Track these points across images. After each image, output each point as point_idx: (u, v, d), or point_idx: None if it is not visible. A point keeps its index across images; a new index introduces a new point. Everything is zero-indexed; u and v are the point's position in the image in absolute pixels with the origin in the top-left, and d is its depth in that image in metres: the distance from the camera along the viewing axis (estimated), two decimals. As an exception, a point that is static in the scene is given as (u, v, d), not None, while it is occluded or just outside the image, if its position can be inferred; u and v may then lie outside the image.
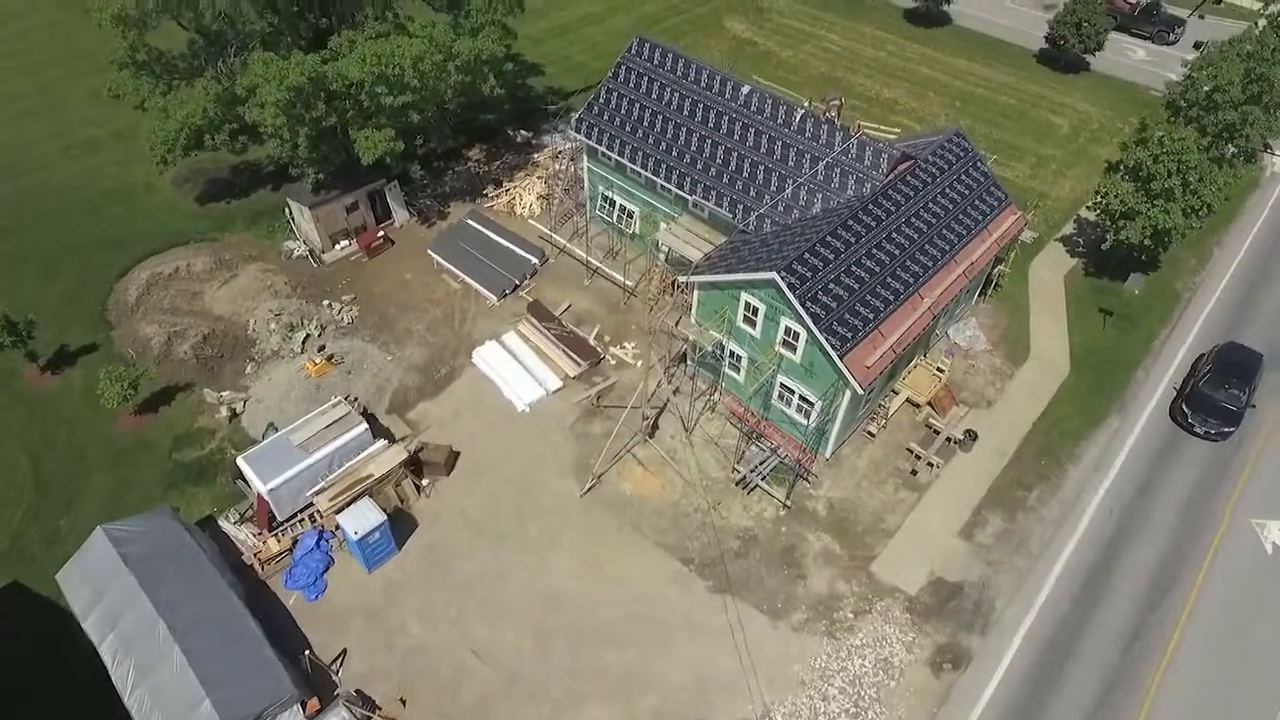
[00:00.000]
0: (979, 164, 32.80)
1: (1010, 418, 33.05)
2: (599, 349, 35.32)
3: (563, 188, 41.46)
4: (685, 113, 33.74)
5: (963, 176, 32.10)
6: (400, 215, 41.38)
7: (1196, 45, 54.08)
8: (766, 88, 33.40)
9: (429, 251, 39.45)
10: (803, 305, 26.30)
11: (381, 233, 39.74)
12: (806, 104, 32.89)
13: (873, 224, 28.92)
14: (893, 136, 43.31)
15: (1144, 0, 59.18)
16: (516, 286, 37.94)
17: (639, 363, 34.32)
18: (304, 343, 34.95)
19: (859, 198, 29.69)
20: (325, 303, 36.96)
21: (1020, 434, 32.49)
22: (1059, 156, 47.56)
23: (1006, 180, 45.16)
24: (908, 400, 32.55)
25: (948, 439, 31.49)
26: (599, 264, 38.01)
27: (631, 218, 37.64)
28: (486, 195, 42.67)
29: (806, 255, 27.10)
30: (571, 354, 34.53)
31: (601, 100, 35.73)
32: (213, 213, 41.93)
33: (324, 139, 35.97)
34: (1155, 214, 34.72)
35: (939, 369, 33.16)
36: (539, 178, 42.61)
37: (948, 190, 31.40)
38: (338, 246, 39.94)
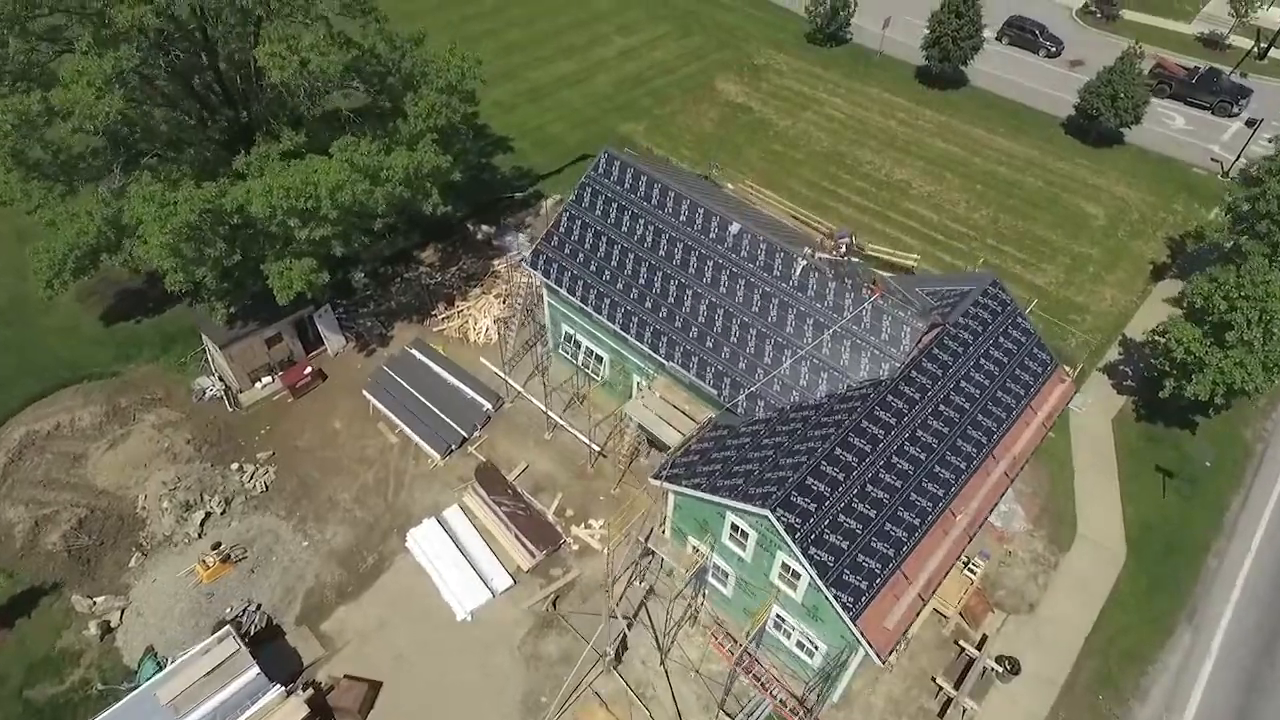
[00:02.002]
0: (1019, 320, 26.82)
1: (1058, 629, 27.09)
2: (559, 530, 29.38)
3: (524, 307, 35.49)
4: (661, 252, 27.77)
5: (1000, 339, 26.13)
6: (335, 342, 35.43)
7: (1250, 123, 48.28)
8: (764, 219, 27.58)
9: (364, 393, 33.49)
10: (805, 552, 20.35)
11: (309, 370, 33.75)
12: (806, 253, 26.81)
13: (892, 422, 22.96)
14: (911, 264, 37.50)
15: (1203, 66, 52.82)
16: (464, 440, 31.98)
17: (606, 548, 28.36)
18: (202, 525, 29.01)
19: (874, 383, 23.72)
20: (235, 465, 30.99)
21: (1071, 655, 26.53)
22: (1096, 256, 41.55)
23: (1038, 289, 39.35)
24: (934, 610, 26.58)
25: (984, 668, 25.51)
26: (559, 418, 31.98)
27: (600, 362, 31.66)
28: (436, 315, 36.69)
29: (809, 480, 21.15)
30: (525, 540, 28.58)
31: (562, 229, 29.76)
32: (118, 336, 35.95)
33: (232, 271, 30.06)
34: (1229, 368, 28.75)
35: (970, 567, 27.19)
36: (496, 295, 36.61)
37: (983, 361, 25.43)
38: (258, 384, 34.01)
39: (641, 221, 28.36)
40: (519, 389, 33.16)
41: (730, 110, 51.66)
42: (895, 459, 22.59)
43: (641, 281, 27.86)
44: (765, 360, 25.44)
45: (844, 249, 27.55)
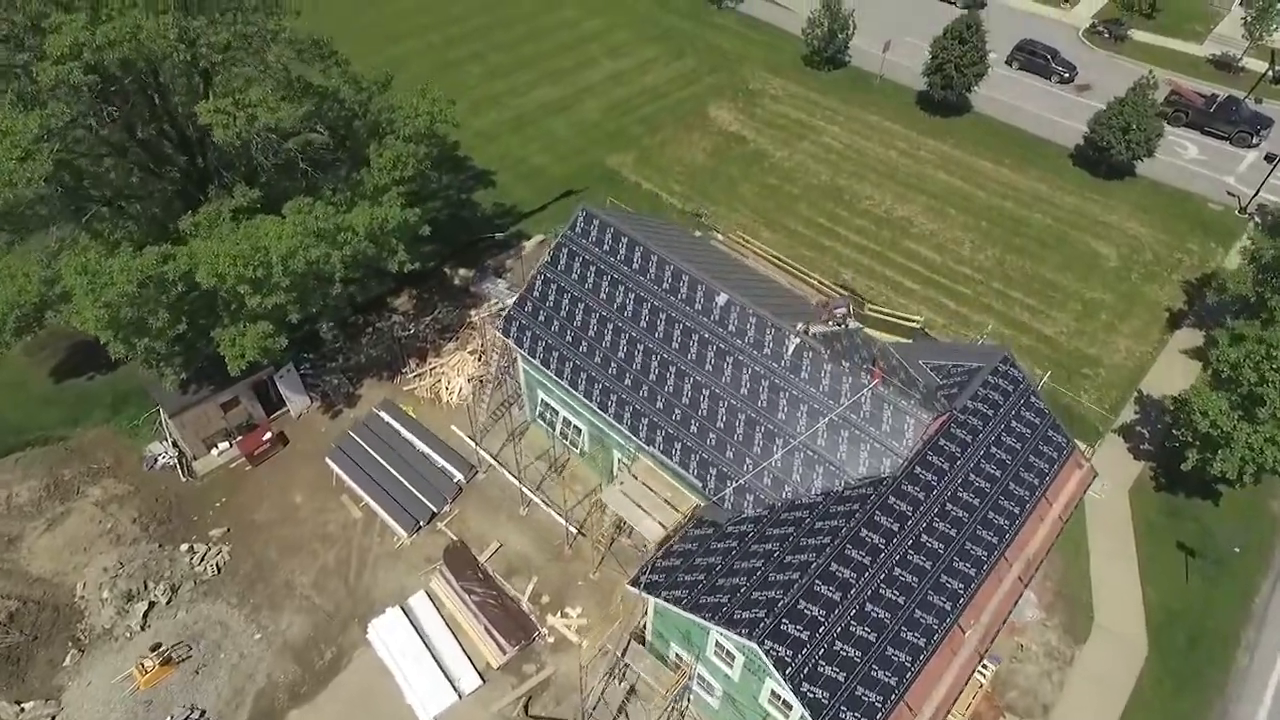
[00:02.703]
0: (1031, 400, 24.56)
1: (1075, 737, 24.86)
2: (533, 620, 27.13)
3: (500, 364, 33.25)
4: (643, 323, 25.51)
5: (1012, 423, 23.88)
6: (298, 403, 33.18)
7: (1269, 158, 46.05)
8: (754, 280, 25.37)
9: (328, 460, 31.22)
10: (797, 689, 18.10)
11: (269, 436, 31.47)
12: (799, 329, 24.52)
13: (894, 528, 20.73)
14: (916, 324, 35.23)
15: (1221, 95, 50.48)
16: (433, 516, 29.73)
17: (585, 641, 26.16)
18: (145, 616, 26.77)
19: (874, 482, 21.48)
20: (185, 546, 28.75)
21: (1090, 769, 24.30)
22: (1109, 302, 39.27)
23: (1048, 340, 37.15)
24: (939, 717, 24.30)
25: (994, 787, 23.27)
26: (535, 494, 29.71)
27: (579, 434, 29.40)
28: (407, 373, 34.42)
29: (801, 603, 18.94)
30: (496, 634, 26.31)
31: (536, 293, 27.51)
32: (68, 394, 33.72)
33: (181, 337, 27.81)
34: (1260, 444, 26.51)
35: (980, 669, 24.87)
36: (471, 352, 34.32)
37: (993, 450, 23.19)
38: (214, 451, 31.76)
39: (622, 288, 26.09)
40: (491, 461, 30.85)
41: (724, 140, 49.38)
42: (897, 571, 20.34)
43: (621, 355, 25.59)
44: (755, 449, 23.18)
45: (840, 320, 25.33)
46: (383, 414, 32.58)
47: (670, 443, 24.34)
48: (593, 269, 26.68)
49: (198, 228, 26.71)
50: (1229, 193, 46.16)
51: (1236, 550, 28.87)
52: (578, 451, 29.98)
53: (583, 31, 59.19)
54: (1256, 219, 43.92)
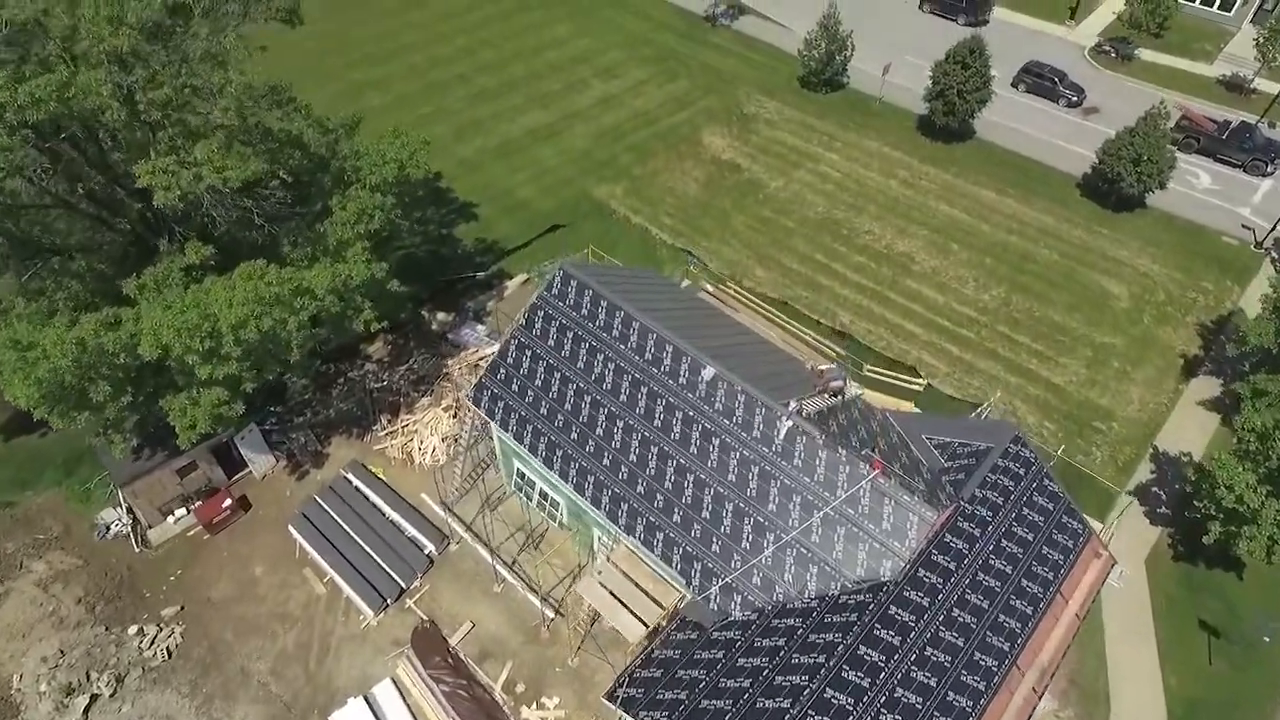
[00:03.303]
0: (1045, 483, 22.61)
1: None
2: (506, 711, 25.18)
3: (475, 425, 31.27)
4: (623, 397, 23.54)
5: (1024, 511, 21.93)
6: (261, 464, 31.24)
7: (1289, 191, 44.02)
8: (745, 342, 23.42)
9: (291, 529, 29.27)
10: (787, 841, 16.14)
11: (228, 503, 29.51)
12: (791, 409, 22.48)
13: (895, 641, 18.78)
14: (918, 389, 33.23)
15: (1234, 121, 48.51)
16: (402, 592, 27.78)
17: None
18: (86, 712, 24.81)
19: (874, 587, 19.52)
20: (135, 628, 26.82)
21: None
22: (1120, 348, 37.29)
23: (1056, 389, 35.22)
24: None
25: None
26: (509, 573, 27.72)
27: (557, 507, 27.44)
28: (378, 430, 32.47)
29: (794, 739, 16.95)
30: (465, 731, 24.37)
31: (510, 359, 25.54)
32: (19, 454, 31.80)
33: (127, 406, 25.84)
34: (1290, 524, 24.56)
35: (988, 773, 22.91)
36: (446, 408, 32.34)
37: (1004, 543, 21.24)
38: (171, 518, 29.83)
39: (601, 357, 24.13)
40: (463, 533, 28.85)
41: (717, 169, 47.43)
42: (899, 692, 18.37)
43: (599, 431, 23.61)
44: (743, 544, 21.22)
45: (836, 391, 23.39)
46: (350, 476, 30.63)
47: (652, 532, 22.37)
48: (570, 334, 24.71)
49: (143, 290, 24.76)
50: (1244, 225, 44.20)
51: (1267, 640, 26.84)
52: (556, 524, 28.02)
53: (573, 51, 57.26)
54: (1274, 254, 42.03)
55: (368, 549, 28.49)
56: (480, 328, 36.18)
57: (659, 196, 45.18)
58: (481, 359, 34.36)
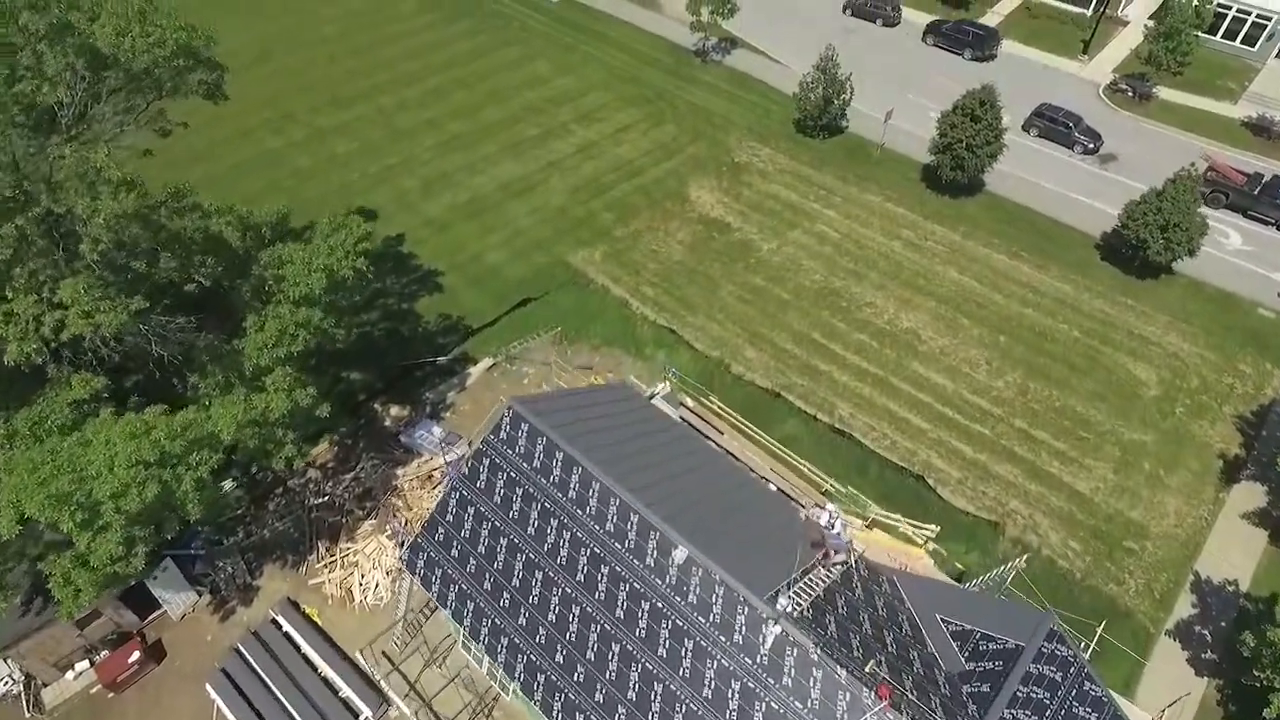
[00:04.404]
0: (1086, 686, 18.76)
1: None
2: None
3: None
4: (580, 577, 19.70)
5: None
6: (180, 601, 27.44)
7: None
8: (725, 478, 19.51)
9: (208, 686, 25.42)
10: None
11: (135, 657, 25.66)
12: (777, 612, 18.49)
13: None
14: (929, 535, 29.25)
15: (1266, 174, 44.52)
16: (332, 771, 23.96)
17: None
18: None
19: None
20: (15, 822, 22.97)
21: None
22: (1151, 446, 33.46)
23: (1081, 499, 31.53)
24: None
25: None
26: (456, 755, 23.91)
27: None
28: (314, 560, 28.63)
29: None
30: None
31: (449, 517, 21.71)
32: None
33: None
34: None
35: None
36: (390, 536, 28.49)
37: (1040, 778, 17.40)
38: (70, 674, 25.98)
39: (555, 523, 20.29)
40: (399, 703, 24.92)
41: (705, 228, 43.60)
42: None
43: (552, 618, 19.77)
44: (722, 781, 17.41)
45: (840, 563, 19.56)
46: (281, 619, 26.78)
47: (612, 754, 18.55)
48: (519, 491, 20.88)
49: (12, 439, 20.88)
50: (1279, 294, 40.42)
51: None
52: (508, 695, 24.18)
53: (552, 91, 53.43)
54: (1315, 331, 38.23)
55: (295, 714, 24.64)
56: (436, 429, 32.28)
57: (641, 262, 41.36)
58: (435, 470, 30.53)
